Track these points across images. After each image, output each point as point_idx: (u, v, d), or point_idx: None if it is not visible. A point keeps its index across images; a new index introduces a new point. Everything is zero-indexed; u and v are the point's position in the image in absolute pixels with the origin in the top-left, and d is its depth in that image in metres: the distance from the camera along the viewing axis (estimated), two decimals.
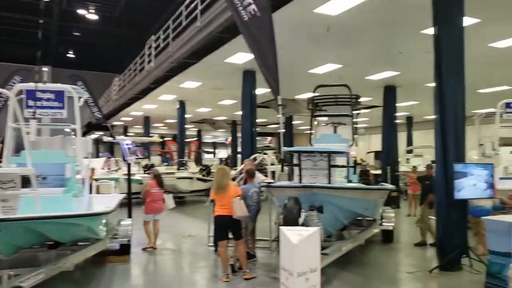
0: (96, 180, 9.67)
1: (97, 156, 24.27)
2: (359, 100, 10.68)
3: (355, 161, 8.10)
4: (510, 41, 10.75)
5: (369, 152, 26.26)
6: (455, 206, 7.07)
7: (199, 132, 37.75)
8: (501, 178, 10.60)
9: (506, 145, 11.40)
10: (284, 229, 4.72)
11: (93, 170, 9.62)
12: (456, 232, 7.08)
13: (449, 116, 7.18)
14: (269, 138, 39.76)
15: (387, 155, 16.82)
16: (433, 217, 9.33)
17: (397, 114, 17.87)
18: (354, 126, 10.53)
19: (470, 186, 7.08)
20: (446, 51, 7.20)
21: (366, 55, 12.51)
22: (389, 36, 10.68)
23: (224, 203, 6.47)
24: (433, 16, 7.32)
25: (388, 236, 9.32)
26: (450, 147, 7.16)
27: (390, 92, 16.79)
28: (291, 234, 4.55)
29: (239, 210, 6.42)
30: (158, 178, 9.11)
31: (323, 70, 14.14)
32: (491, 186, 7.42)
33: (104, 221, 6.78)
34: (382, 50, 11.93)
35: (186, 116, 22.61)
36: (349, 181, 8.13)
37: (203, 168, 20.07)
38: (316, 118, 10.81)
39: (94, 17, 29.72)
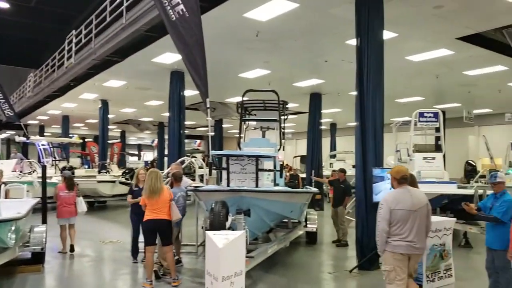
0: (5, 183, 8.85)
1: (8, 157, 22.27)
2: (287, 106, 10.92)
3: (281, 165, 8.26)
4: (423, 55, 11.66)
5: (295, 157, 27.04)
6: (374, 208, 7.44)
7: (123, 133, 36.28)
8: None
9: (420, 151, 12.30)
10: (210, 233, 4.64)
11: (1, 172, 8.82)
12: (374, 233, 7.43)
13: (368, 123, 7.57)
14: (198, 141, 39.36)
15: (312, 160, 17.42)
16: (351, 218, 9.86)
17: (322, 120, 18.62)
18: (282, 131, 10.78)
19: (387, 190, 7.52)
20: (367, 62, 7.57)
21: (293, 62, 12.86)
22: (315, 45, 11.06)
23: (157, 207, 6.26)
24: (356, 28, 7.70)
25: (312, 238, 9.62)
26: (369, 153, 7.56)
27: (316, 99, 17.44)
28: (217, 238, 4.49)
29: (176, 214, 6.32)
30: (68, 180, 8.65)
31: (253, 75, 14.31)
32: None
33: (13, 228, 6.20)
34: (309, 58, 12.33)
35: (109, 116, 21.62)
36: (276, 185, 8.28)
37: (127, 171, 19.27)
38: (245, 122, 10.88)
39: (5, 5, 27.23)
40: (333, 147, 27.33)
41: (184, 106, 14.30)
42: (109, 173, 18.43)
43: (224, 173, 6.60)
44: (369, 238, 7.43)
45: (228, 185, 6.47)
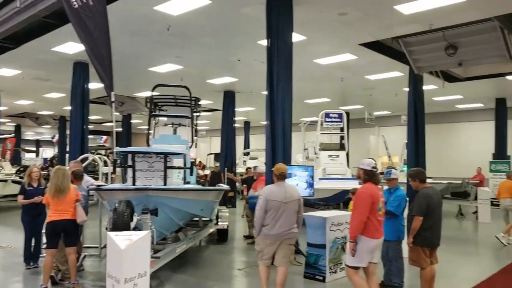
0: None
1: None
2: (199, 102, 10.79)
3: (192, 163, 8.12)
4: (329, 59, 12.28)
5: (209, 154, 26.94)
6: None
7: (18, 127, 33.04)
8: (321, 179, 12.06)
9: (325, 149, 13.00)
10: (111, 234, 4.38)
11: None
12: None
13: (278, 122, 7.77)
14: (104, 137, 37.28)
15: (225, 157, 17.48)
16: None
17: (236, 118, 18.75)
18: (194, 128, 10.64)
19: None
20: (276, 63, 7.75)
21: (206, 59, 12.76)
22: (228, 43, 11.09)
23: (61, 208, 5.81)
24: (267, 29, 7.85)
25: (223, 235, 9.62)
26: (278, 151, 7.76)
27: (229, 97, 17.52)
28: (119, 239, 4.26)
29: (81, 215, 5.92)
30: None
31: (164, 70, 13.92)
32: (311, 185, 8.32)
33: None
34: (222, 55, 12.33)
35: (0, 108, 19.56)
36: (187, 183, 8.13)
37: (22, 169, 17.56)
38: (155, 117, 10.54)
39: None
40: (247, 145, 27.75)
41: (88, 100, 13.43)
42: (0, 171, 16.64)
43: (130, 171, 6.29)
44: None
45: (133, 184, 6.18)
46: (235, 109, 18.07)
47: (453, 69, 13.44)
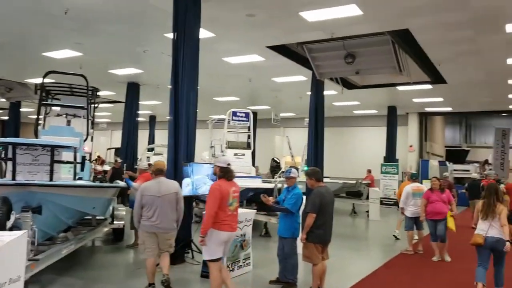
0: None
1: None
2: (97, 93, 10.12)
3: (83, 158, 7.52)
4: (238, 58, 12.35)
5: (109, 149, 25.52)
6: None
7: None
8: None
9: (232, 148, 13.02)
10: None
11: None
12: (181, 228, 7.47)
13: (182, 118, 7.56)
14: None
15: (126, 152, 16.70)
16: None
17: (140, 112, 18.01)
18: (91, 119, 9.98)
19: (195, 183, 7.68)
20: (182, 57, 7.53)
21: (109, 48, 12.04)
22: (133, 33, 10.57)
23: None
24: (173, 22, 7.60)
25: (118, 235, 9.13)
26: (181, 147, 7.57)
27: (133, 89, 16.79)
28: None
29: None
30: None
31: (60, 55, 12.82)
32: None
33: None
34: (127, 45, 11.72)
35: None
36: (79, 179, 7.55)
37: None
38: (46, 107, 9.65)
39: None
40: (151, 140, 26.80)
41: None
42: None
43: (10, 164, 5.64)
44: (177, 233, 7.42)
45: (13, 178, 5.55)
46: (139, 102, 17.36)
47: (351, 76, 14.39)
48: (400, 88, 15.71)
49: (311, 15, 8.71)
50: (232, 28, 9.78)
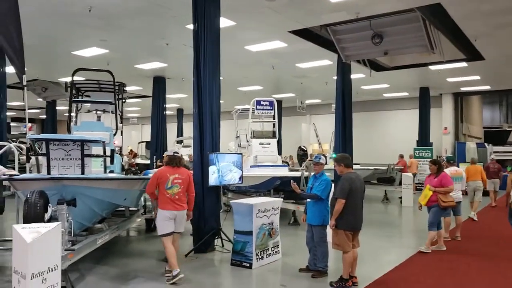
0: None
1: None
2: (124, 88, 10.31)
3: (112, 151, 7.66)
4: (260, 46, 12.24)
5: (140, 142, 26.09)
6: (210, 192, 7.60)
7: None
8: (252, 166, 12.09)
9: (257, 137, 13.01)
10: (17, 227, 4.02)
11: None
12: (210, 217, 7.60)
13: (206, 109, 7.60)
14: (29, 125, 34.70)
15: (156, 145, 17.00)
16: None
17: (167, 105, 18.24)
18: (119, 114, 10.19)
19: (221, 170, 7.72)
20: (203, 48, 7.52)
21: (132, 43, 12.22)
22: (154, 26, 10.65)
23: None
24: (193, 12, 7.60)
25: (151, 225, 9.32)
26: (206, 138, 7.60)
27: (159, 83, 17.00)
28: (26, 232, 3.92)
29: None
30: None
31: (89, 53, 13.16)
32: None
33: None
34: (149, 40, 11.85)
35: None
36: (111, 172, 7.75)
37: None
38: (77, 103, 9.93)
39: None
40: (180, 132, 27.18)
41: (5, 85, 12.36)
42: None
43: (45, 159, 5.85)
44: (205, 222, 7.53)
45: (48, 173, 5.75)
46: (166, 96, 17.57)
47: (379, 58, 13.99)
48: (432, 67, 15.15)
49: None
50: (253, 15, 9.69)
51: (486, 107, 28.40)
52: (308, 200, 6.45)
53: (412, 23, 9.88)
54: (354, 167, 14.02)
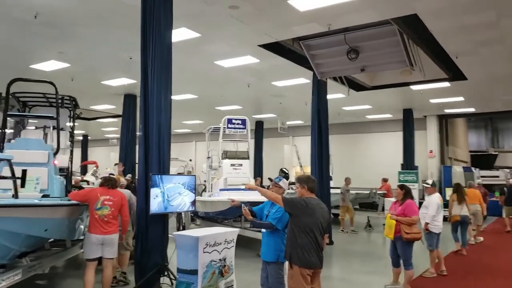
0: None
1: None
2: (74, 102, 9.32)
3: (24, 171, 6.54)
4: (231, 61, 11.34)
5: (116, 164, 24.92)
6: (154, 221, 6.58)
7: None
8: (221, 190, 11.10)
9: (230, 157, 12.07)
10: None
11: None
12: (154, 251, 6.55)
13: (152, 128, 6.71)
14: None
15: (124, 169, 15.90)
16: None
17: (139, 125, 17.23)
18: (70, 131, 9.28)
19: (169, 197, 6.72)
20: (152, 61, 6.66)
21: (94, 56, 11.26)
22: (111, 37, 9.74)
23: None
24: (141, 20, 6.77)
25: None
26: (152, 159, 6.66)
27: (130, 101, 16.04)
28: None
29: None
30: None
31: (49, 67, 12.21)
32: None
33: None
34: (112, 51, 10.83)
35: None
36: (45, 196, 6.71)
37: None
38: (20, 119, 8.96)
39: None
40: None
41: None
42: None
43: None
44: (148, 256, 6.49)
45: None
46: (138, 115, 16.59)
47: (359, 77, 13.27)
48: (414, 87, 14.42)
49: (302, 3, 7.68)
50: (218, 25, 8.85)
51: (471, 131, 27.98)
52: (263, 230, 5.45)
53: (389, 37, 9.18)
54: (331, 191, 13.07)
